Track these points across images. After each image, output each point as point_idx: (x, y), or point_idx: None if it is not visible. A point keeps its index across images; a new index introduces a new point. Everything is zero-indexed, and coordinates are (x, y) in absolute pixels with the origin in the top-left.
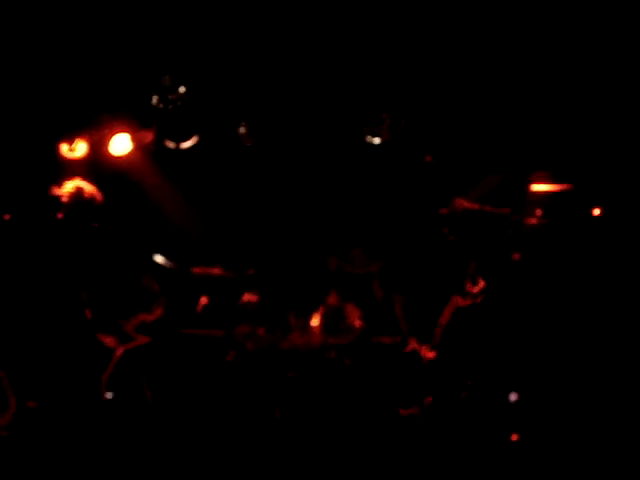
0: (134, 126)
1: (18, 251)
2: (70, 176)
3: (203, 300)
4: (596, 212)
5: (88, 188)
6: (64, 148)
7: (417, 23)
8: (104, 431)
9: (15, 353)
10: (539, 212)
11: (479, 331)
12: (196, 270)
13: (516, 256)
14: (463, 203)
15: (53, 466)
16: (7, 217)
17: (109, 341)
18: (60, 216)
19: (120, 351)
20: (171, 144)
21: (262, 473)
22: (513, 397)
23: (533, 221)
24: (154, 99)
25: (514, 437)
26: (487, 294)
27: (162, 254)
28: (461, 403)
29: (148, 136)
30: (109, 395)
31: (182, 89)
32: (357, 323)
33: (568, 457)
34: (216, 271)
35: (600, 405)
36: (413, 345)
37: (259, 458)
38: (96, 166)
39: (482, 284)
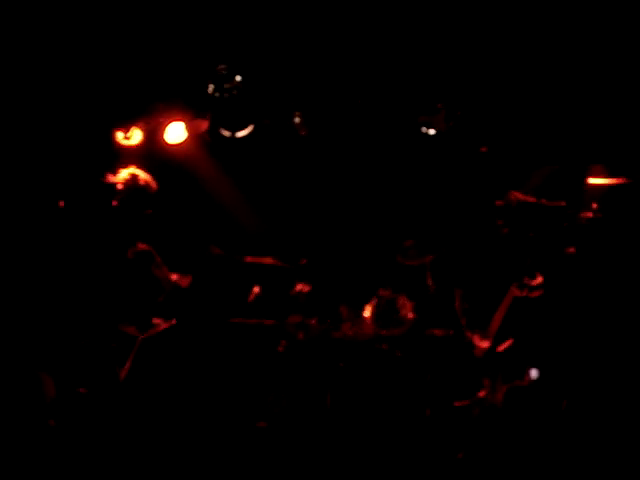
0: (189, 114)
1: (73, 237)
2: (125, 164)
3: (255, 289)
4: None
5: (143, 176)
6: (120, 136)
7: (474, 15)
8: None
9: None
10: (595, 205)
11: (535, 324)
12: (249, 259)
13: (571, 249)
14: (519, 195)
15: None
16: (62, 204)
17: (131, 330)
18: (115, 203)
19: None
20: (226, 133)
21: (315, 460)
22: (534, 373)
23: (589, 214)
24: (210, 88)
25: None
26: (544, 288)
27: (215, 243)
28: (516, 397)
29: (203, 125)
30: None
31: (238, 78)
32: (409, 315)
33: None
34: (268, 260)
35: None
36: (469, 337)
37: (311, 446)
38: (151, 154)
39: (540, 279)
